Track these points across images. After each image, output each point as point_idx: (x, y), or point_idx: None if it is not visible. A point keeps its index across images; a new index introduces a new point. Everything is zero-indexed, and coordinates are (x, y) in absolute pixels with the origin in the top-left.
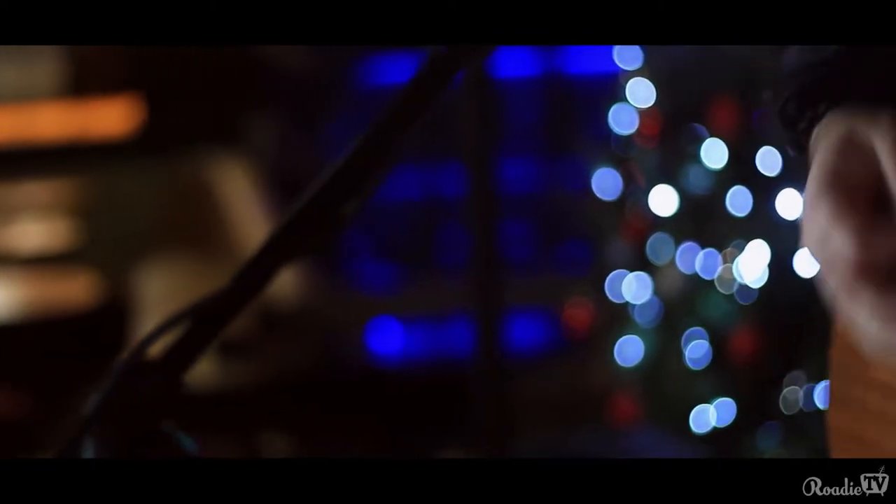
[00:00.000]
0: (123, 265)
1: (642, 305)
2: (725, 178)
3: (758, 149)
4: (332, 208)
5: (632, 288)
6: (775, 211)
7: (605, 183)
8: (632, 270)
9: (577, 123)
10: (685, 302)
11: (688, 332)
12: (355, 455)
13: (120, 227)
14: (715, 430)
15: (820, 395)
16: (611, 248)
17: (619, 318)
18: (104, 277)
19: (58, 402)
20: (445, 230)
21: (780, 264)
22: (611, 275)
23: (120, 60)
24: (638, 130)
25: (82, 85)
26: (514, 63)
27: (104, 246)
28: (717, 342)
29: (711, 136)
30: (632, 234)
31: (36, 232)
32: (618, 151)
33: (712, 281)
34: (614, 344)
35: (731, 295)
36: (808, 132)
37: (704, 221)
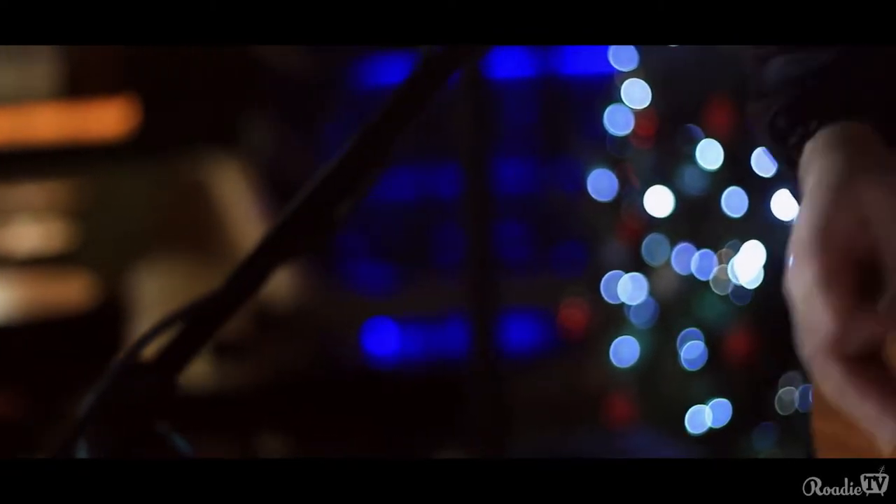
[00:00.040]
0: (120, 266)
1: (638, 306)
2: (721, 178)
3: (753, 149)
4: (325, 209)
5: (627, 289)
6: (770, 212)
7: (601, 184)
8: (627, 271)
9: (572, 124)
10: (681, 303)
11: (683, 332)
12: (351, 455)
13: (116, 228)
14: (710, 431)
15: None
16: (606, 249)
17: (614, 318)
18: (100, 278)
19: (54, 403)
20: (441, 231)
21: (776, 265)
22: (606, 276)
23: (116, 62)
24: (633, 131)
25: (79, 86)
26: (510, 64)
27: (100, 247)
28: (712, 343)
29: (707, 136)
30: (627, 235)
31: (32, 233)
32: (613, 152)
33: (708, 282)
34: (610, 345)
35: (727, 296)
36: (798, 147)
37: (700, 222)
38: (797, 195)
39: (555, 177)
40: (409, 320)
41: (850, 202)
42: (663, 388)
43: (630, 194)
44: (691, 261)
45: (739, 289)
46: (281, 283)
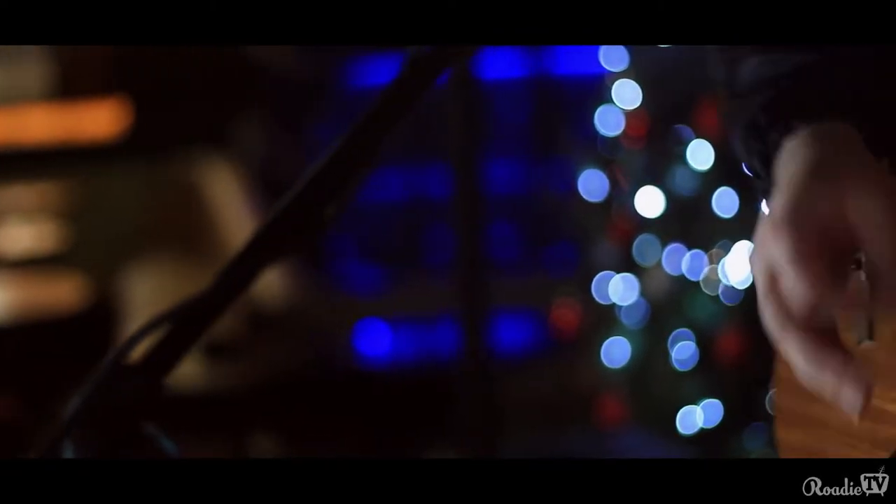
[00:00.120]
0: (111, 267)
1: (629, 307)
2: (712, 179)
3: None
4: (314, 209)
5: (618, 289)
6: (761, 212)
7: (592, 184)
8: (618, 272)
9: (563, 125)
10: (672, 303)
11: (674, 333)
12: (343, 455)
13: (108, 229)
14: (702, 431)
15: None
16: (597, 250)
17: (605, 319)
18: (92, 280)
19: (45, 404)
20: (432, 231)
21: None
22: (597, 276)
23: (108, 63)
24: (624, 132)
25: (70, 87)
26: (501, 64)
27: (92, 248)
28: (703, 343)
29: (697, 137)
30: (618, 236)
31: (24, 234)
32: (604, 153)
33: (699, 282)
34: (601, 345)
35: (718, 296)
36: (777, 144)
37: (691, 223)
38: (767, 193)
39: (546, 177)
40: (401, 321)
41: (830, 187)
42: (654, 388)
43: (621, 195)
44: (682, 261)
45: (730, 289)
46: (272, 284)
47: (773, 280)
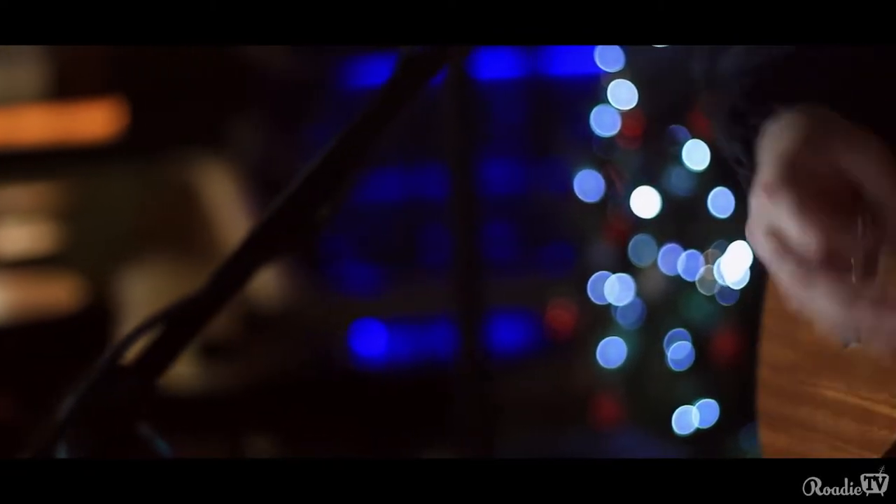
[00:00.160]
0: (108, 268)
1: (625, 307)
2: (707, 179)
3: None
4: (307, 210)
5: (614, 289)
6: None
7: (588, 184)
8: (614, 272)
9: (559, 125)
10: (667, 303)
11: (670, 333)
12: (339, 456)
13: (104, 229)
14: (698, 432)
15: None
16: (593, 250)
17: (601, 319)
18: (88, 280)
19: (42, 405)
20: (428, 231)
21: (762, 265)
22: (593, 276)
23: (104, 63)
24: (620, 132)
25: (67, 88)
26: (497, 64)
27: (89, 249)
28: (699, 343)
29: (693, 137)
30: (614, 236)
31: (20, 235)
32: (600, 153)
33: (694, 282)
34: (597, 345)
35: (713, 296)
36: (757, 129)
37: (686, 223)
38: (750, 179)
39: (541, 177)
40: (397, 321)
41: (823, 148)
42: (650, 388)
43: (617, 195)
44: (678, 261)
45: (726, 289)
46: (268, 285)
47: (780, 243)
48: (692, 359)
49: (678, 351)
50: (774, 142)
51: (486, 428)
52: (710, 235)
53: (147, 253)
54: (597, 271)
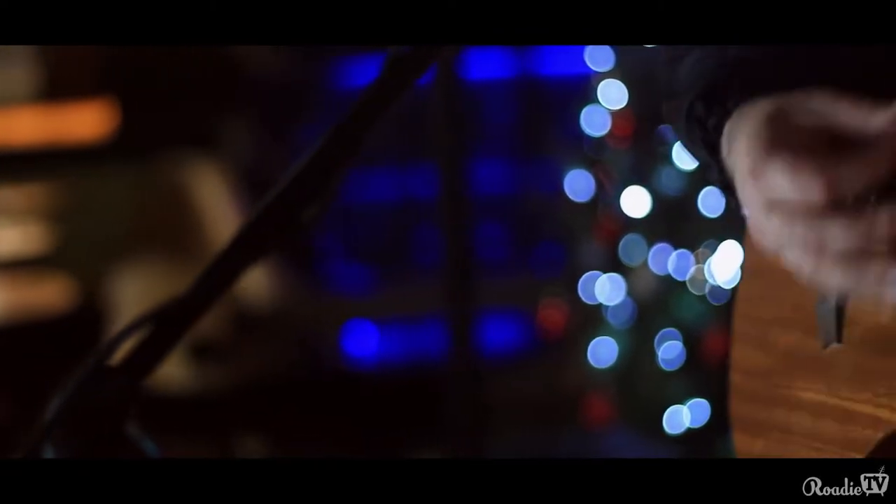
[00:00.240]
0: (99, 269)
1: (615, 307)
2: (698, 179)
3: None
4: (295, 209)
5: (605, 289)
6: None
7: (578, 184)
8: (605, 272)
9: (549, 125)
10: (658, 303)
11: (661, 332)
12: (331, 456)
13: (95, 230)
14: (689, 431)
15: None
16: (584, 250)
17: (592, 319)
18: (79, 281)
19: (33, 406)
20: (419, 232)
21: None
22: (584, 276)
23: (95, 64)
24: (610, 132)
25: (58, 89)
26: (487, 65)
27: (80, 250)
28: (690, 343)
29: None
30: (605, 236)
31: (11, 236)
32: (590, 153)
33: (685, 282)
34: (588, 345)
35: (704, 296)
36: (717, 129)
37: (677, 222)
38: (721, 181)
39: (532, 177)
40: (388, 321)
41: (786, 116)
42: (641, 388)
43: (607, 195)
44: (668, 261)
45: (717, 289)
46: (260, 285)
47: (783, 214)
48: (683, 358)
49: (669, 350)
50: (738, 139)
51: (478, 428)
52: (700, 235)
53: (139, 254)
54: (587, 271)
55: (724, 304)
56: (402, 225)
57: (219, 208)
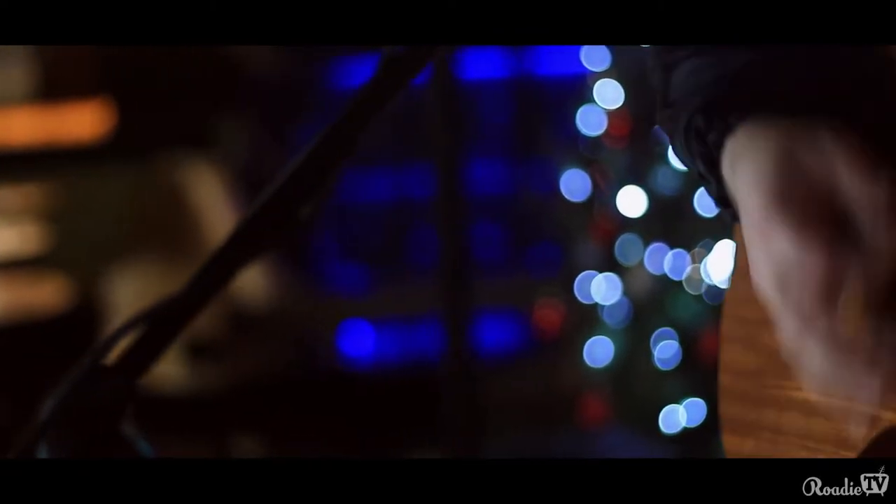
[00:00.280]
0: (95, 269)
1: (612, 306)
2: (694, 178)
3: None
4: (290, 208)
5: (601, 289)
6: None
7: (574, 184)
8: (601, 271)
9: (545, 125)
10: (654, 302)
11: (657, 332)
12: (327, 456)
13: (92, 230)
14: (685, 431)
15: None
16: (580, 249)
17: (588, 318)
18: (76, 281)
19: (29, 406)
20: (415, 232)
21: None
22: (580, 276)
23: (91, 64)
24: (606, 131)
25: (54, 89)
26: (483, 64)
27: (76, 250)
28: (686, 342)
29: None
30: (601, 235)
31: (7, 236)
32: (586, 153)
33: (681, 281)
34: (584, 345)
35: (700, 295)
36: (718, 145)
37: (673, 222)
38: (718, 195)
39: (528, 177)
40: (385, 321)
41: (797, 163)
42: (637, 387)
43: (603, 194)
44: (664, 260)
45: (713, 288)
46: (256, 285)
47: (784, 281)
48: (679, 358)
49: (665, 350)
50: (743, 167)
51: (474, 427)
52: (696, 234)
53: (136, 254)
54: (584, 271)
55: (721, 304)
56: (398, 225)
57: (216, 208)
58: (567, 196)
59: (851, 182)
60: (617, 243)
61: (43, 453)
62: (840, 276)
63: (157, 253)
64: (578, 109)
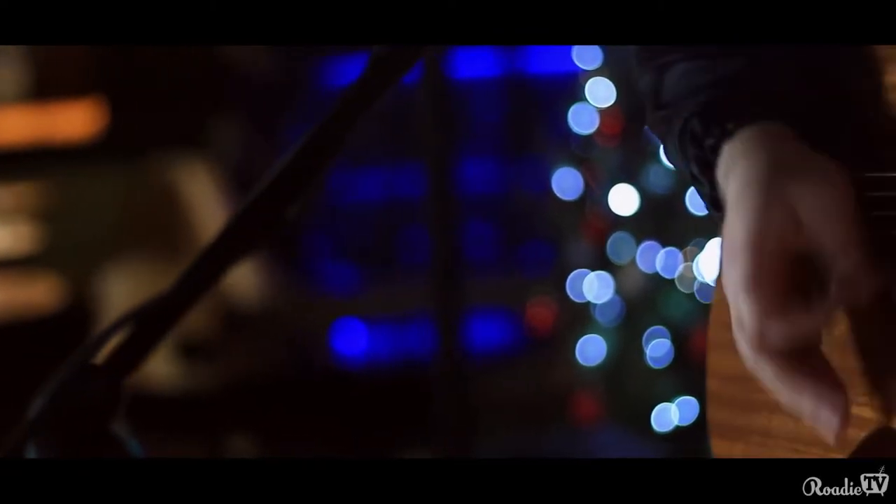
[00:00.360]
0: (88, 268)
1: (604, 305)
2: (686, 178)
3: None
4: (277, 207)
5: (593, 287)
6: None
7: (566, 183)
8: (593, 270)
9: (537, 123)
10: (646, 301)
11: (649, 330)
12: (319, 455)
13: (84, 230)
14: (677, 429)
15: None
16: (572, 248)
17: (580, 317)
18: (68, 281)
19: (21, 405)
20: (407, 231)
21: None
22: (572, 274)
23: (84, 64)
24: (598, 130)
25: (46, 88)
26: (475, 63)
27: (69, 249)
28: (678, 341)
29: None
30: (593, 234)
31: (0, 236)
32: (578, 151)
33: (673, 280)
34: (576, 343)
35: (692, 294)
36: (715, 149)
37: (665, 220)
38: (711, 198)
39: (520, 176)
40: (377, 320)
41: (779, 202)
42: (630, 386)
43: (595, 193)
44: (656, 259)
45: (705, 286)
46: (248, 284)
47: (737, 304)
48: (671, 356)
49: (657, 348)
50: (736, 177)
51: (466, 426)
52: (688, 233)
53: (128, 253)
54: (575, 269)
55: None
56: (390, 224)
57: (208, 207)
58: (559, 194)
59: (828, 225)
60: (609, 242)
61: (31, 453)
62: (771, 334)
63: (149, 252)
64: (570, 108)
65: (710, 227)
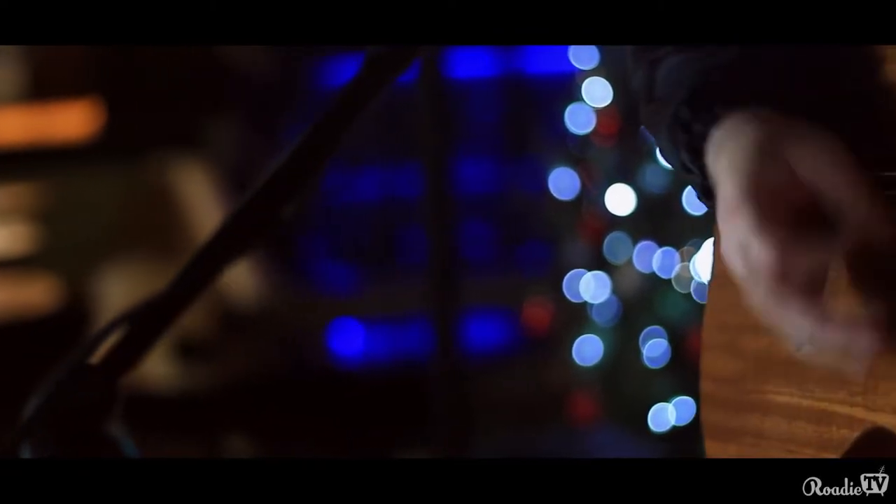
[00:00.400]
0: (84, 269)
1: (600, 305)
2: (681, 176)
3: None
4: (273, 207)
5: (590, 287)
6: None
7: (563, 183)
8: (590, 270)
9: (534, 123)
10: (643, 301)
11: (646, 330)
12: (316, 455)
13: (81, 230)
14: (674, 429)
15: None
16: (569, 248)
17: (577, 317)
18: (65, 281)
19: (18, 406)
20: (404, 231)
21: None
22: (569, 274)
23: (81, 64)
24: (595, 130)
25: (43, 89)
26: (472, 63)
27: (65, 249)
28: (675, 341)
29: None
30: (589, 234)
31: None
32: (575, 151)
33: (670, 280)
34: (573, 343)
35: (689, 293)
36: (703, 135)
37: (662, 220)
38: (703, 187)
39: (517, 176)
40: (374, 320)
41: (777, 156)
42: (626, 386)
43: (592, 193)
44: (653, 259)
45: (702, 286)
46: (245, 284)
47: (749, 262)
48: (668, 356)
49: (654, 348)
50: (726, 154)
51: (463, 426)
52: (685, 233)
53: (124, 253)
54: (572, 269)
55: None
56: (387, 224)
57: (204, 207)
58: (556, 194)
59: (834, 182)
60: (606, 242)
61: (26, 452)
62: (791, 269)
63: (146, 252)
64: (567, 108)
65: (706, 226)
